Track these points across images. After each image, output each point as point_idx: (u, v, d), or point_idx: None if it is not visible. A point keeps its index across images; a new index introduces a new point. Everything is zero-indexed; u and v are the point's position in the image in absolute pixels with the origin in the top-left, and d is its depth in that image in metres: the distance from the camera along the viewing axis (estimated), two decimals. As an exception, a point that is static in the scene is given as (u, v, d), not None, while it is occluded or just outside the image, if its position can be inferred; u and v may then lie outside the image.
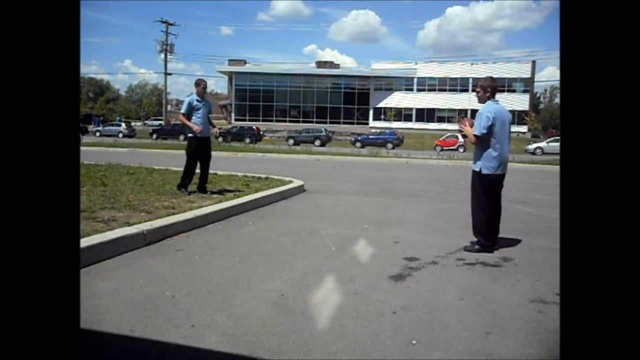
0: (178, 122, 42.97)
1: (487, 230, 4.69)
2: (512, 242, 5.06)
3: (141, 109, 74.07)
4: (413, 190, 9.61)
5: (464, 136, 4.97)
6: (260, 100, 57.34)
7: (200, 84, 7.03)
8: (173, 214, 5.32)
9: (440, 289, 3.55)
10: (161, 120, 49.75)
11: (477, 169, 4.67)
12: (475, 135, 4.57)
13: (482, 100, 4.72)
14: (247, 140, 35.50)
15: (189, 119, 6.87)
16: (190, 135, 6.97)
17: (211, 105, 7.25)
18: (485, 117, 4.51)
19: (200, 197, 6.67)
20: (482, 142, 4.58)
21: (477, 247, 4.68)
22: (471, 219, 4.81)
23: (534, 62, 55.74)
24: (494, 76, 5.12)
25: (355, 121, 56.10)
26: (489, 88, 4.67)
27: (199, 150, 6.94)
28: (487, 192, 4.72)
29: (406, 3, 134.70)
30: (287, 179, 9.16)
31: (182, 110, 7.00)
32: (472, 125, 4.74)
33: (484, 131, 4.52)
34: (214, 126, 7.44)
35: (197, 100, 6.91)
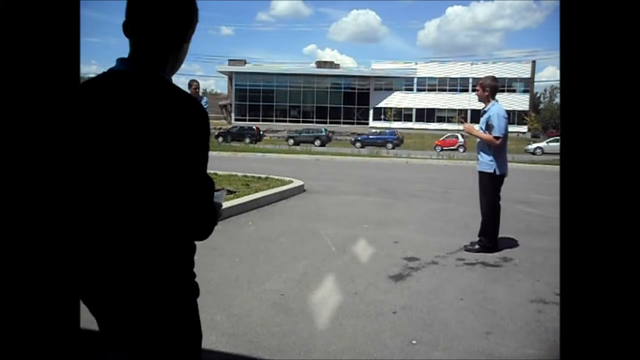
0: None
1: (494, 233, 4.69)
2: (512, 242, 5.06)
3: (141, 109, 73.97)
4: (413, 190, 9.61)
5: (464, 136, 5.00)
6: (260, 100, 57.33)
7: (191, 85, 7.08)
8: (173, 214, 5.32)
9: (440, 289, 3.55)
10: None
11: (491, 171, 4.62)
12: (497, 137, 4.56)
13: (482, 98, 4.72)
14: (247, 140, 35.49)
15: None
16: None
17: (206, 103, 7.24)
18: (503, 119, 4.55)
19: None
20: (501, 144, 4.60)
21: (477, 247, 4.69)
22: (476, 220, 4.79)
23: (534, 62, 55.75)
24: (495, 76, 5.13)
25: (355, 121, 56.08)
26: (489, 87, 4.68)
27: None
28: (497, 192, 4.73)
29: (406, 3, 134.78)
30: (287, 179, 9.16)
31: None
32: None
33: (504, 132, 4.57)
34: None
35: None
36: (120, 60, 1.19)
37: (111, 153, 1.12)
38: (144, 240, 1.13)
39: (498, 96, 4.75)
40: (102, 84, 1.18)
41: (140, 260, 1.14)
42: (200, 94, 7.21)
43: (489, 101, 4.66)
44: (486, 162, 4.65)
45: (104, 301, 1.21)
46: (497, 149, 4.59)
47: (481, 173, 4.71)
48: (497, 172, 4.62)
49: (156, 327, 1.19)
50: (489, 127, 4.58)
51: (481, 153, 4.71)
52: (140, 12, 1.16)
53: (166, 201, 1.12)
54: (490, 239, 4.67)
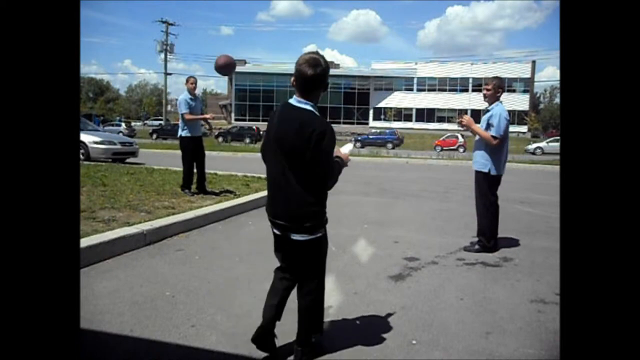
0: (178, 122, 42.91)
1: (492, 232, 4.68)
2: (512, 242, 5.06)
3: (141, 109, 74.09)
4: (413, 190, 9.61)
5: (468, 131, 4.94)
6: (260, 100, 57.34)
7: (188, 80, 7.06)
8: (173, 214, 5.32)
9: (440, 289, 3.55)
10: (161, 120, 49.62)
11: (486, 170, 4.61)
12: (494, 137, 4.53)
13: (489, 97, 4.69)
14: (247, 140, 35.51)
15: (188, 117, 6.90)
16: (182, 134, 6.91)
17: (201, 102, 7.25)
18: (504, 120, 4.52)
19: (200, 197, 6.67)
20: (500, 144, 4.57)
21: (477, 247, 4.68)
22: (476, 220, 4.77)
23: (534, 62, 55.76)
24: (502, 78, 5.11)
25: (355, 121, 56.09)
26: (499, 88, 4.67)
27: (193, 150, 6.89)
28: (493, 192, 4.71)
29: (406, 3, 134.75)
30: (287, 179, 9.14)
31: (184, 110, 6.87)
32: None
33: (502, 134, 4.52)
34: (206, 121, 7.39)
35: (191, 99, 6.90)
36: (293, 99, 2.28)
37: (291, 146, 2.22)
38: (301, 193, 2.25)
39: (498, 96, 4.75)
40: (286, 110, 2.30)
41: (299, 202, 2.27)
42: (197, 92, 7.18)
43: (495, 100, 4.65)
44: (482, 162, 4.65)
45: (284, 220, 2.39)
46: (494, 149, 4.57)
47: (476, 172, 4.72)
48: (492, 172, 4.60)
49: (311, 235, 2.37)
50: (489, 126, 4.57)
51: (477, 152, 4.71)
52: (303, 78, 2.21)
53: (315, 170, 2.23)
54: (488, 238, 4.66)
